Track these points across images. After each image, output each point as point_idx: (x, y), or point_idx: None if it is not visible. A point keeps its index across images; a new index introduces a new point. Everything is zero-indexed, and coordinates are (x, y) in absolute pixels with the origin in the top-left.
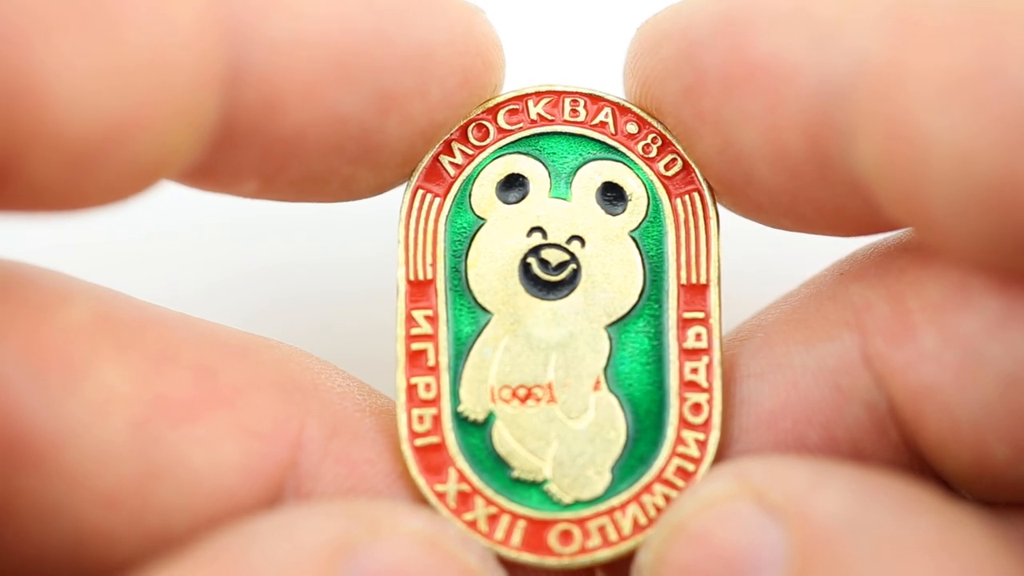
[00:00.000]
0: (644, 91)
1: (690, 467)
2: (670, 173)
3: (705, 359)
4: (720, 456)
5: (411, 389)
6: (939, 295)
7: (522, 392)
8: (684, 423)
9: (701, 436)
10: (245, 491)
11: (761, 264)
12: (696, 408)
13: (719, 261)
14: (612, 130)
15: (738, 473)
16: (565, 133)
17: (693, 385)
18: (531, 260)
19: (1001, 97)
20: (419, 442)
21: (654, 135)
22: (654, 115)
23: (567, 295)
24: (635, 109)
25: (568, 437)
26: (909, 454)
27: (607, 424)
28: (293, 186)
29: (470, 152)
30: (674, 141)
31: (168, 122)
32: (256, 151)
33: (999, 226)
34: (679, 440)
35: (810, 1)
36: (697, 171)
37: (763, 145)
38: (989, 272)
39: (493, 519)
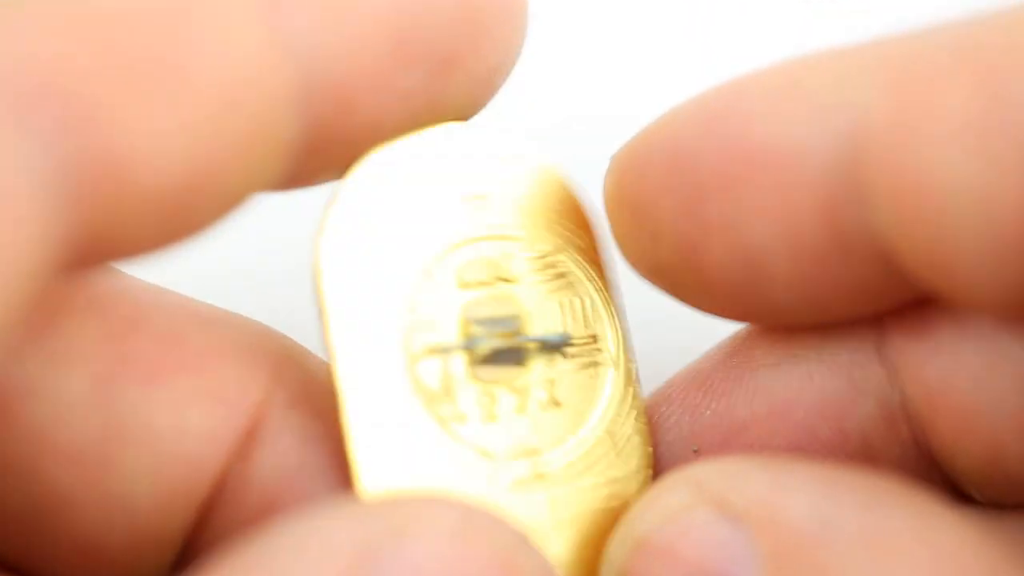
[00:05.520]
0: (636, 218)
1: None
2: None
3: None
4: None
5: None
6: None
7: None
8: None
9: None
10: (207, 457)
11: None
12: None
13: None
14: None
15: (694, 481)
16: None
17: None
18: None
19: (1010, 127)
20: None
21: None
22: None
23: None
24: None
25: None
26: (918, 452)
27: None
28: None
29: None
30: None
31: (251, 151)
32: (335, 150)
33: None
34: None
35: (798, 73)
36: None
37: (778, 235)
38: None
39: None
